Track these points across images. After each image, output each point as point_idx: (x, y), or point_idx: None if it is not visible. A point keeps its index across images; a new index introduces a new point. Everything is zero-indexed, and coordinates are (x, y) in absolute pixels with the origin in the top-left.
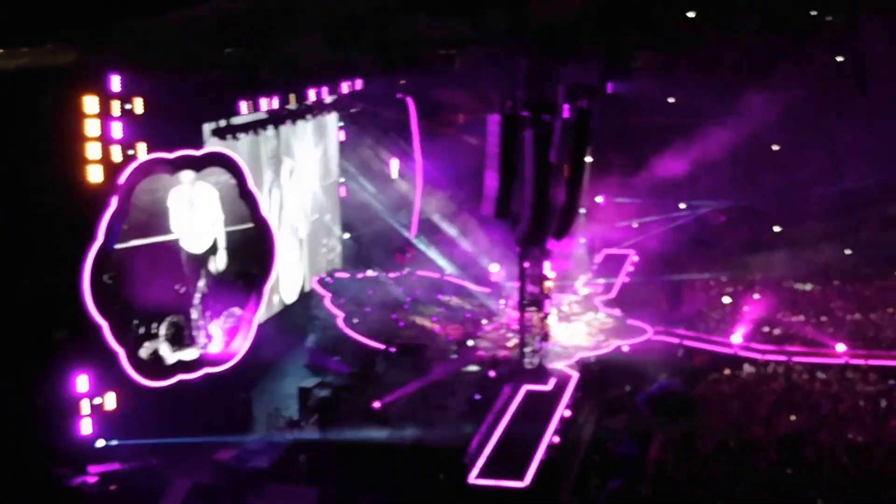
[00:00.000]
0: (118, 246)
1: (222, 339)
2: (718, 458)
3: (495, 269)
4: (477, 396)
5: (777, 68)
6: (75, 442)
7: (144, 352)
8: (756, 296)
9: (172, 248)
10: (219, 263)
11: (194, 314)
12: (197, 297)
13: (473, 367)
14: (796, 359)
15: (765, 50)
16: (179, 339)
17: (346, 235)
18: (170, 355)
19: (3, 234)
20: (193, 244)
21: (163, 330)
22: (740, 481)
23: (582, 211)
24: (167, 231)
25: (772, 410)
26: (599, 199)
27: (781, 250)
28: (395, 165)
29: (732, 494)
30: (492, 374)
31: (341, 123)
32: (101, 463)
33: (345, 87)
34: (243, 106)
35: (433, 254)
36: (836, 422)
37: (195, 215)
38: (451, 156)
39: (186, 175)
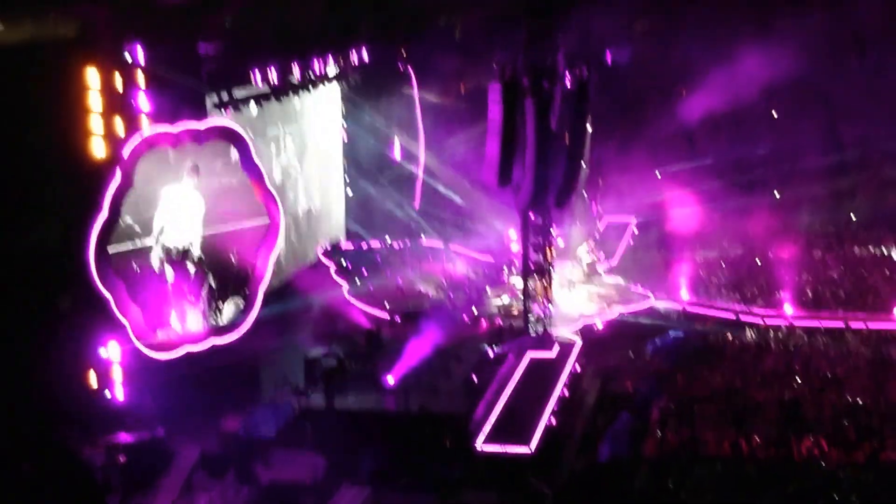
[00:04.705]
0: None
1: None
2: (719, 421)
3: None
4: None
5: (774, 31)
6: (85, 411)
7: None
8: (757, 261)
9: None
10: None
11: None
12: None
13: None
14: (797, 323)
15: (762, 12)
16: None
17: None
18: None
19: (10, 207)
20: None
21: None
22: (740, 445)
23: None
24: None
25: (772, 374)
26: (601, 166)
27: (780, 215)
28: (397, 144)
29: (733, 457)
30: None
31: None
32: (109, 433)
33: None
34: (246, 77)
35: (437, 224)
36: (836, 384)
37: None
38: (453, 125)
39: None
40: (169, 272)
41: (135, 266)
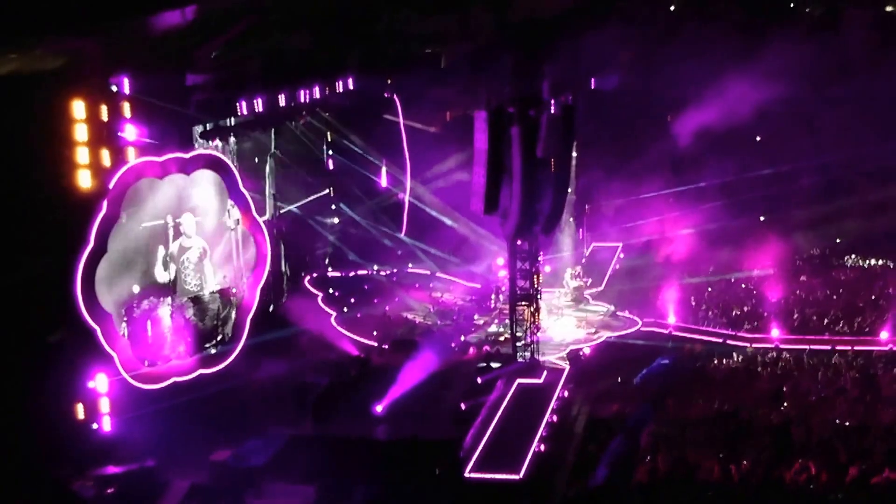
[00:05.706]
0: None
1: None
2: (710, 446)
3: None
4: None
5: (761, 57)
6: (73, 443)
7: None
8: (743, 285)
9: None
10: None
11: None
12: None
13: None
14: (784, 346)
15: (748, 38)
16: None
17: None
18: None
19: None
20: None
21: None
22: (730, 470)
23: (570, 205)
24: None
25: (761, 398)
26: (588, 192)
27: (767, 238)
28: (384, 172)
29: (723, 482)
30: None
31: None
32: (98, 465)
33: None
34: (232, 108)
35: (425, 250)
36: (825, 407)
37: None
38: (439, 153)
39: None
40: None
41: None
